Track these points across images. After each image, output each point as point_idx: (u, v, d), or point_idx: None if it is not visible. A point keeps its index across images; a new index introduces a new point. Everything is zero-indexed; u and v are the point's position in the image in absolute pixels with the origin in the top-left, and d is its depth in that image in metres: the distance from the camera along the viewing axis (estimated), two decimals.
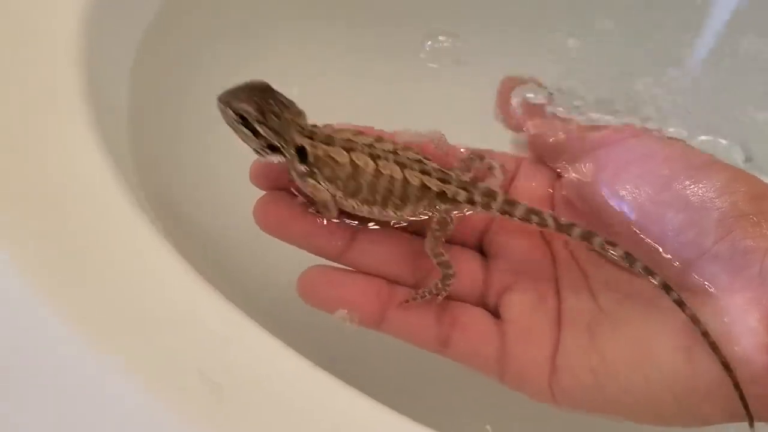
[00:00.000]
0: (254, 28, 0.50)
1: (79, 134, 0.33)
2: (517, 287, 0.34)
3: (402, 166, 0.33)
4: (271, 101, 0.34)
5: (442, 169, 0.34)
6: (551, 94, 0.40)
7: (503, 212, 0.33)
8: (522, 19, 0.53)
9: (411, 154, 0.34)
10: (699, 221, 0.30)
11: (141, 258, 0.29)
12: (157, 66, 0.44)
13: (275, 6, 0.51)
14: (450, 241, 0.36)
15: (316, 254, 0.35)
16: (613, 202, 0.33)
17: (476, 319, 0.34)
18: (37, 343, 0.25)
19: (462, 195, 0.34)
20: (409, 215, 0.34)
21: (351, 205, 0.34)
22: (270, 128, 0.34)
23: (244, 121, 0.34)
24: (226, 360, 0.26)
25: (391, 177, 0.33)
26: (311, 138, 0.34)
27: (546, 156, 0.37)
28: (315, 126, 0.35)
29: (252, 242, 0.43)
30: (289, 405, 0.26)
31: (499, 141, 0.39)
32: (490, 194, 0.34)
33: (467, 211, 0.34)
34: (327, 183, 0.34)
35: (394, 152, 0.34)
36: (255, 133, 0.34)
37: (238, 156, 0.46)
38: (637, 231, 0.32)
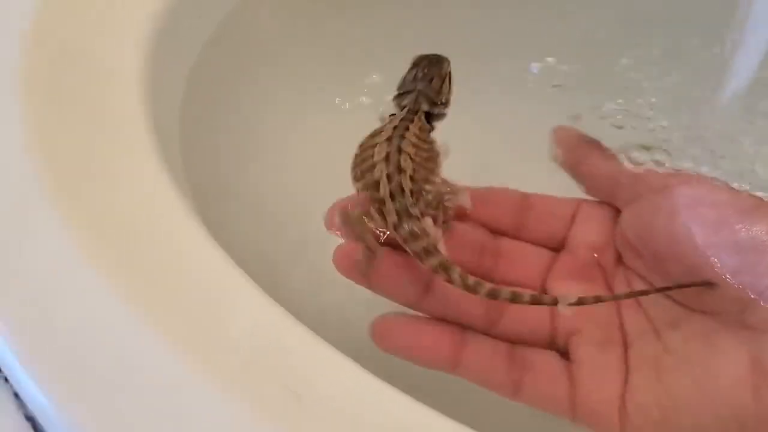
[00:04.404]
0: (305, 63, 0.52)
1: (144, 160, 0.34)
2: (584, 330, 0.35)
3: (387, 160, 0.34)
4: (426, 69, 0.38)
5: (407, 194, 0.33)
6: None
7: (416, 256, 0.32)
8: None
9: (408, 165, 0.34)
10: (754, 264, 0.31)
11: (211, 276, 0.30)
12: (205, 98, 0.45)
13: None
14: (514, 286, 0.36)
15: (394, 301, 0.35)
16: (668, 247, 0.34)
17: (546, 362, 0.35)
18: (128, 350, 0.27)
19: (392, 218, 0.33)
20: (354, 188, 0.35)
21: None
22: (404, 77, 0.39)
23: None
24: (297, 371, 0.27)
25: (372, 155, 0.34)
26: (404, 118, 0.36)
27: (602, 196, 0.38)
28: (425, 131, 0.37)
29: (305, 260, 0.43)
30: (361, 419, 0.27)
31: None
32: (414, 235, 0.32)
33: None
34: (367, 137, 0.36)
35: (402, 152, 0.34)
36: None
37: (286, 181, 0.48)
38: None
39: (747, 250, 0.31)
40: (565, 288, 0.36)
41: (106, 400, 0.26)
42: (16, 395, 0.27)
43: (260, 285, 0.30)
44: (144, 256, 0.30)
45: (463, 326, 0.35)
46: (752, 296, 0.31)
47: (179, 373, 0.26)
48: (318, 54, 0.52)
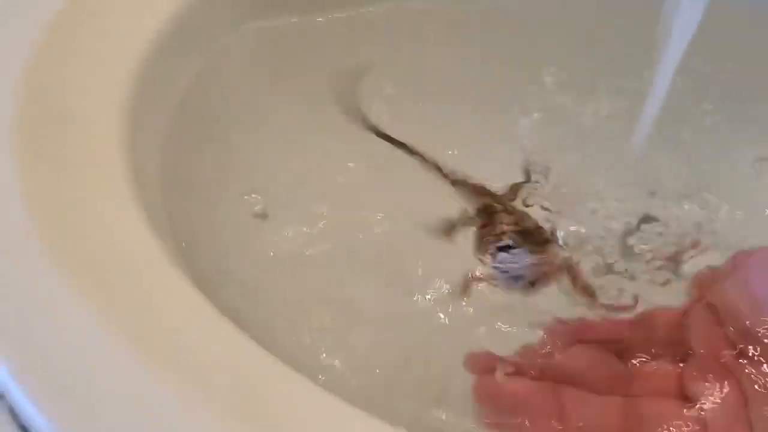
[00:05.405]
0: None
1: (124, 208, 0.37)
2: None
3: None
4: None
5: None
6: None
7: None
8: None
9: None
10: None
11: (191, 323, 0.32)
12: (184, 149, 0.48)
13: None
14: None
15: None
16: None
17: None
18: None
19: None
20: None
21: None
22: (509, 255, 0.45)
23: None
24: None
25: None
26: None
27: None
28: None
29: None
30: None
31: None
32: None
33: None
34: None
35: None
36: None
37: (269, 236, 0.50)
38: None
39: None
40: (701, 390, 0.37)
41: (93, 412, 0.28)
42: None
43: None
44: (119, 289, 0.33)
45: None
46: None
47: (160, 391, 0.29)
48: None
